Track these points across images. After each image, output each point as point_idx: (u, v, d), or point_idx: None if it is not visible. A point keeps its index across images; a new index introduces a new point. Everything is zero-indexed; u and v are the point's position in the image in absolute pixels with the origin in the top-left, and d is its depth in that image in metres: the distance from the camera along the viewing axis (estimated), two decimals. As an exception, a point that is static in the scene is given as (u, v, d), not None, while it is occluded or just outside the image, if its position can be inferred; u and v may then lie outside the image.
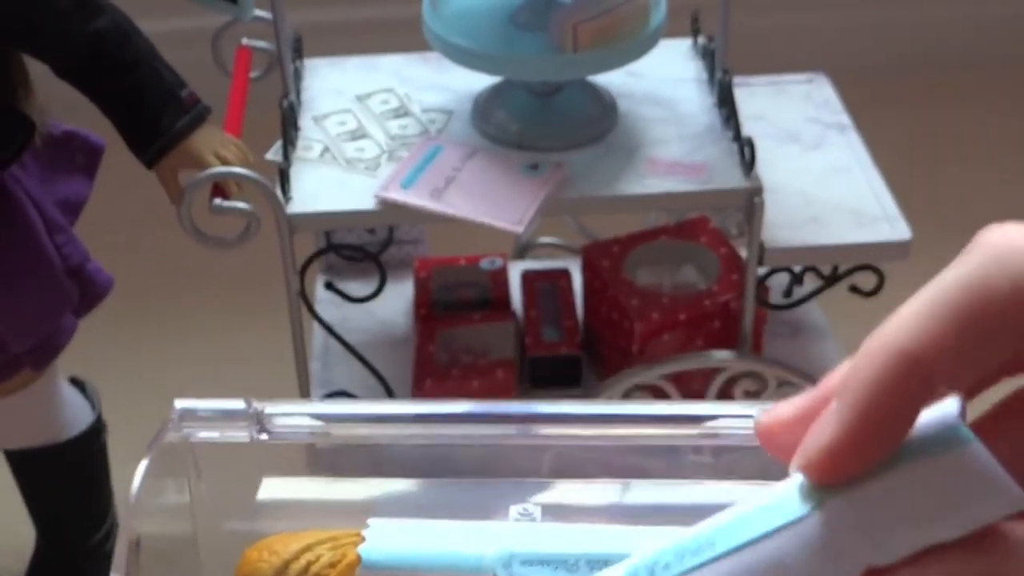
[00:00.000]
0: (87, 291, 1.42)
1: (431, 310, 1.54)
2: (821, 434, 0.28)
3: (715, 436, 0.40)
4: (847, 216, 1.35)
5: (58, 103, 1.37)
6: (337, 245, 1.48)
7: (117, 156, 1.41)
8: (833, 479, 0.28)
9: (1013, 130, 2.39)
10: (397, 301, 1.59)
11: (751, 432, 0.39)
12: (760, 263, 1.31)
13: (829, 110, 1.53)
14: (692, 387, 1.37)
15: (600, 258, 1.46)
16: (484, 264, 1.60)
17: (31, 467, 1.57)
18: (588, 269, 1.48)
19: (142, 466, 0.44)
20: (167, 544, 0.46)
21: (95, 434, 1.59)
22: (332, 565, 0.42)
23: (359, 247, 1.47)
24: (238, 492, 0.48)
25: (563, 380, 1.47)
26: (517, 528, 0.42)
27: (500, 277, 1.58)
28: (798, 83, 1.59)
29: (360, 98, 1.48)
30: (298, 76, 1.50)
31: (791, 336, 1.51)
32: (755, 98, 1.54)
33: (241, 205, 1.27)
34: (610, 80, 1.44)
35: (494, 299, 1.55)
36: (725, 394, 1.36)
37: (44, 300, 1.36)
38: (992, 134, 2.39)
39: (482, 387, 1.42)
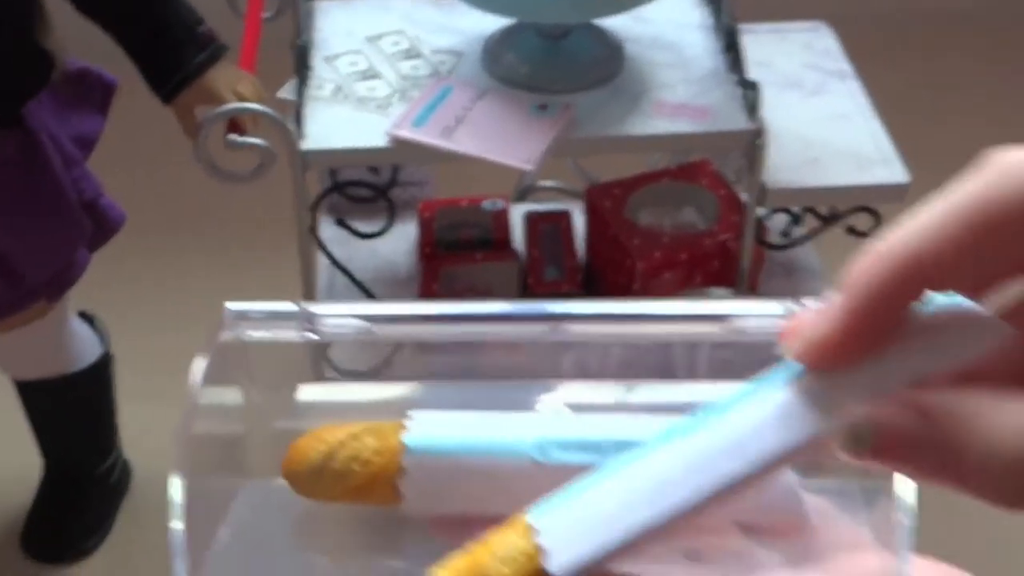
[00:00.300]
0: (100, 225, 1.44)
1: (434, 249, 1.56)
2: (821, 324, 0.30)
3: (741, 333, 0.42)
4: (846, 159, 1.37)
5: (70, 41, 1.39)
6: (346, 182, 1.50)
7: (128, 94, 1.43)
8: (826, 367, 0.30)
9: (1009, 81, 2.42)
10: (401, 242, 1.61)
11: (775, 330, 0.42)
12: (761, 203, 1.34)
13: (830, 58, 1.55)
14: (691, 325, 1.39)
15: (603, 199, 1.48)
16: (486, 205, 1.62)
17: (42, 397, 1.60)
18: (591, 210, 1.50)
19: (200, 364, 0.45)
20: (219, 441, 0.48)
21: (103, 367, 1.61)
22: (377, 452, 0.44)
23: (370, 183, 1.49)
24: (285, 393, 0.50)
25: (565, 318, 1.48)
26: (551, 418, 0.45)
27: (502, 218, 1.60)
28: (800, 31, 1.61)
29: (371, 39, 1.50)
30: (309, 17, 1.51)
31: (786, 276, 1.54)
32: (758, 45, 1.56)
33: (256, 140, 1.28)
34: (617, 25, 1.45)
35: (496, 239, 1.58)
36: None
37: (60, 232, 1.38)
38: (989, 85, 2.42)
39: (487, 323, 1.44)
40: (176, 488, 0.41)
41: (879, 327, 0.30)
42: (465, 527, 0.39)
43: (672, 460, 0.31)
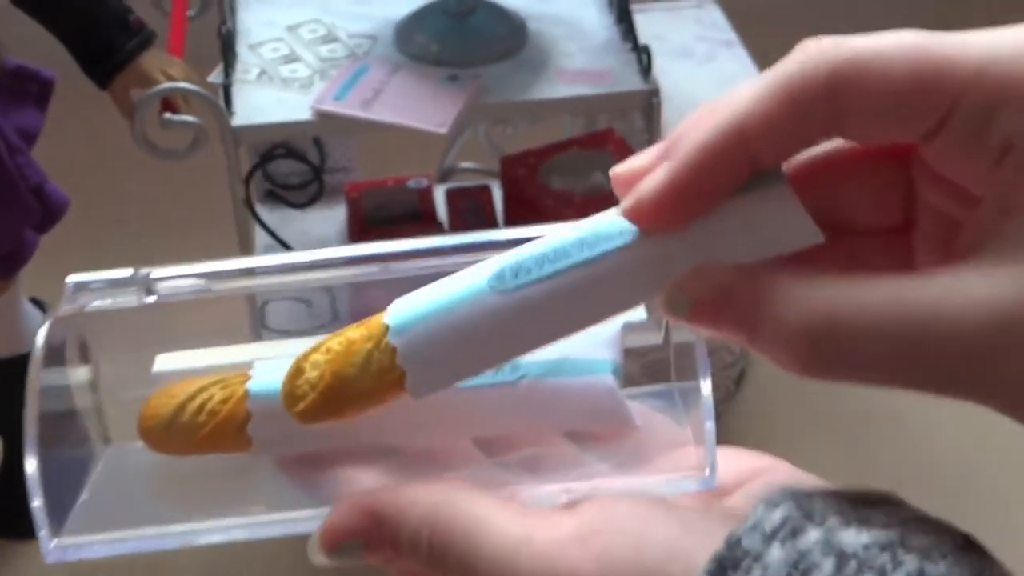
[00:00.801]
0: (47, 209, 1.36)
1: (364, 226, 1.48)
2: (651, 183, 0.29)
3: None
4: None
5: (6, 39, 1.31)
6: (275, 155, 1.42)
7: (65, 91, 1.35)
8: (655, 225, 0.29)
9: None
10: (331, 223, 1.53)
11: None
12: (660, 162, 1.28)
13: (718, 30, 1.49)
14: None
15: (517, 168, 1.41)
16: (411, 184, 1.54)
17: (-3, 377, 1.51)
18: (506, 179, 1.43)
19: (41, 335, 0.39)
20: (71, 416, 0.43)
21: (57, 347, 1.53)
22: (223, 401, 0.39)
23: (301, 156, 1.42)
24: (136, 362, 0.44)
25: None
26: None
27: (427, 194, 1.52)
28: (689, 7, 1.55)
29: (290, 28, 1.42)
30: (232, 11, 1.43)
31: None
32: (652, 22, 1.50)
33: (189, 118, 1.22)
34: (520, 5, 1.38)
35: (423, 212, 1.50)
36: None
37: (8, 212, 1.30)
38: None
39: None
40: (32, 466, 0.37)
41: (704, 191, 0.29)
42: (316, 465, 0.36)
43: (523, 302, 0.30)
